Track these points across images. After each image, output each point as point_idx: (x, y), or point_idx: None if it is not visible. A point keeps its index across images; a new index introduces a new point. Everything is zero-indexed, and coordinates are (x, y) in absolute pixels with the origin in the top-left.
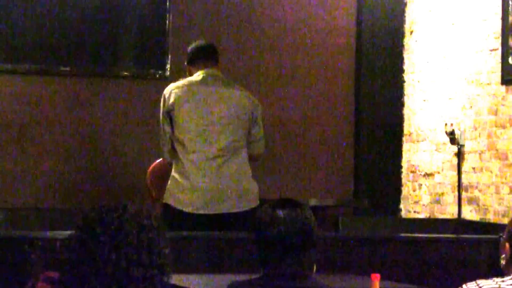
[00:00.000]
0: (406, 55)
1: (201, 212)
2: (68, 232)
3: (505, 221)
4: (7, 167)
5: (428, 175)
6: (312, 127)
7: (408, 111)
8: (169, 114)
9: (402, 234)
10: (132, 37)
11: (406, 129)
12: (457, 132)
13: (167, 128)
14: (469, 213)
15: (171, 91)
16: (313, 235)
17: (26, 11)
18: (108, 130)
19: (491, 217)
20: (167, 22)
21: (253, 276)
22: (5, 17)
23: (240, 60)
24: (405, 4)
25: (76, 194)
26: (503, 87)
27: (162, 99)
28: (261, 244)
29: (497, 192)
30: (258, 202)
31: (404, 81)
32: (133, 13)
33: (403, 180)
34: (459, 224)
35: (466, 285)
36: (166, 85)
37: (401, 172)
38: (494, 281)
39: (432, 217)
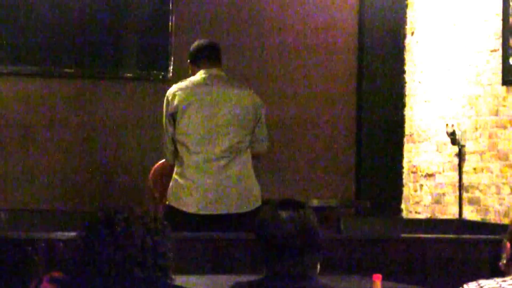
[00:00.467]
0: (407, 55)
1: (204, 212)
2: (71, 233)
3: (506, 221)
4: (10, 168)
5: (429, 175)
6: (313, 127)
7: (409, 112)
8: (173, 116)
9: (403, 235)
10: (135, 38)
11: (407, 130)
12: (458, 133)
13: (170, 130)
14: (470, 214)
15: (175, 93)
16: (316, 236)
17: (29, 13)
18: (111, 132)
19: (492, 218)
20: (170, 23)
21: (256, 277)
22: (8, 19)
23: (242, 60)
24: (407, 5)
25: (79, 195)
26: (504, 88)
27: (165, 101)
28: (263, 245)
29: (498, 193)
30: (261, 202)
31: (405, 82)
32: (136, 14)
33: (404, 181)
34: (460, 224)
35: (467, 285)
36: (168, 86)
37: (402, 172)
38: (495, 281)
39: (433, 217)
